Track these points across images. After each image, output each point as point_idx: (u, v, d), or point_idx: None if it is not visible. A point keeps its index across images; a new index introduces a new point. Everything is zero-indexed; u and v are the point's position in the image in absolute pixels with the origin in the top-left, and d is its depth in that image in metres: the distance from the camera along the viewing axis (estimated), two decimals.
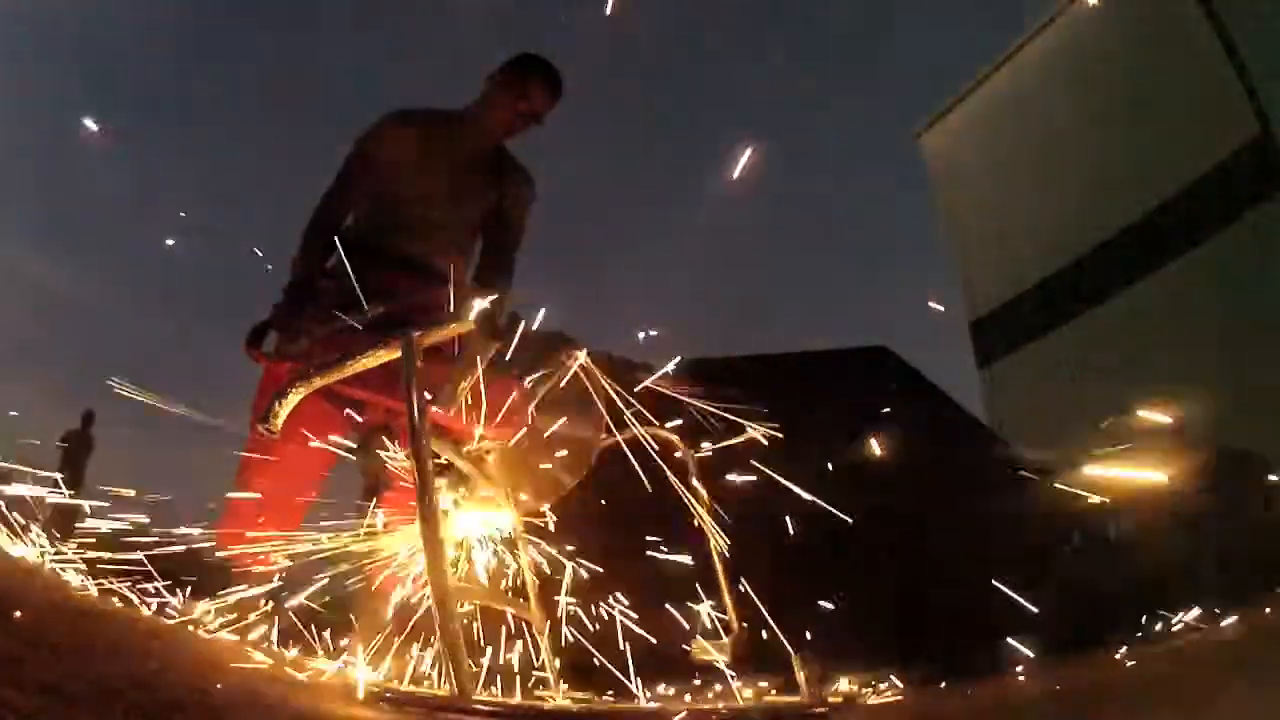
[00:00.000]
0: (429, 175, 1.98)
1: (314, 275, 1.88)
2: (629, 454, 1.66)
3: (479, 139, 2.04)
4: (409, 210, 1.97)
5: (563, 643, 1.87)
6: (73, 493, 2.01)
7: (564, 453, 1.59)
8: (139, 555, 1.65)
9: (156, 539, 1.71)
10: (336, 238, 1.98)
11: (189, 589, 1.62)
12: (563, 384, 1.56)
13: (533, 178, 2.14)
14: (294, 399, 1.42)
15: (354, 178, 2.01)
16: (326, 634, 1.79)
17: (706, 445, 1.81)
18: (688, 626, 1.87)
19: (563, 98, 2.04)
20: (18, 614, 1.00)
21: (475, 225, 2.06)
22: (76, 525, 1.82)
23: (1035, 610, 2.66)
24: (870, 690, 1.78)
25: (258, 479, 1.77)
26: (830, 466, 4.00)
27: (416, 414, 1.21)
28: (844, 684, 1.69)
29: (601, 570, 2.08)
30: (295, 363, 1.61)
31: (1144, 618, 2.42)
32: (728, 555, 1.75)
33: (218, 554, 1.72)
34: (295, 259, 1.90)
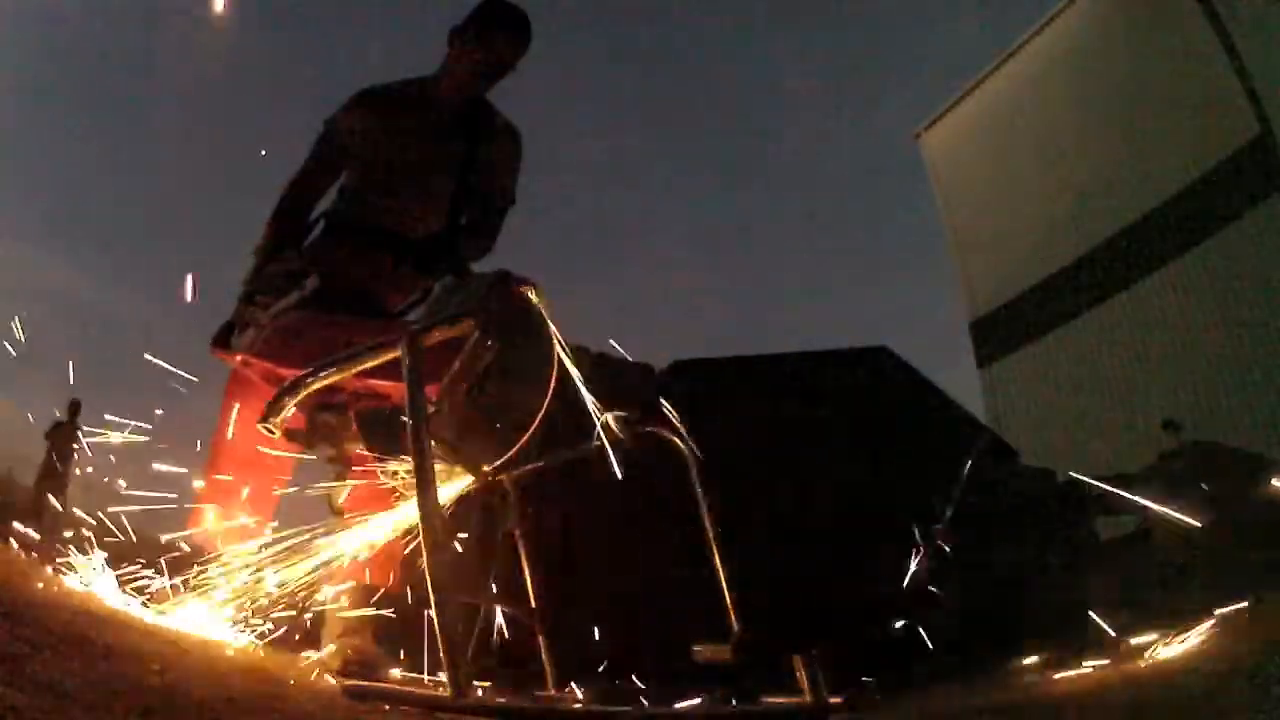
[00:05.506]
0: (399, 147, 1.93)
1: (270, 262, 1.82)
2: (624, 454, 1.65)
3: (447, 100, 1.97)
4: (385, 185, 1.95)
5: (560, 641, 1.87)
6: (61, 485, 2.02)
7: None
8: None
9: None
10: (322, 219, 1.97)
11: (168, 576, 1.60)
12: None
13: (518, 130, 2.06)
14: (295, 399, 1.42)
15: (324, 161, 1.99)
16: (322, 634, 1.78)
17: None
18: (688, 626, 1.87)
19: (532, 39, 1.91)
20: (18, 613, 1.00)
21: (457, 189, 1.97)
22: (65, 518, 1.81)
23: (1034, 609, 2.66)
24: (871, 691, 1.78)
25: (227, 468, 1.77)
26: (830, 467, 4.00)
27: (417, 414, 1.20)
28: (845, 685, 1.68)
29: (600, 571, 2.09)
30: (247, 354, 1.61)
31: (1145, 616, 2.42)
32: (729, 555, 1.75)
33: (191, 540, 1.70)
34: (257, 246, 1.87)
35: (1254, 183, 9.35)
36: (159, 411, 1.89)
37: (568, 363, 1.43)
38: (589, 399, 1.47)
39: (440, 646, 1.07)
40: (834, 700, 1.34)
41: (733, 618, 1.60)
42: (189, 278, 1.89)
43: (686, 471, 1.66)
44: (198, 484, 1.81)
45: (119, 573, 1.58)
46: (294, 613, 1.61)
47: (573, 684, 1.73)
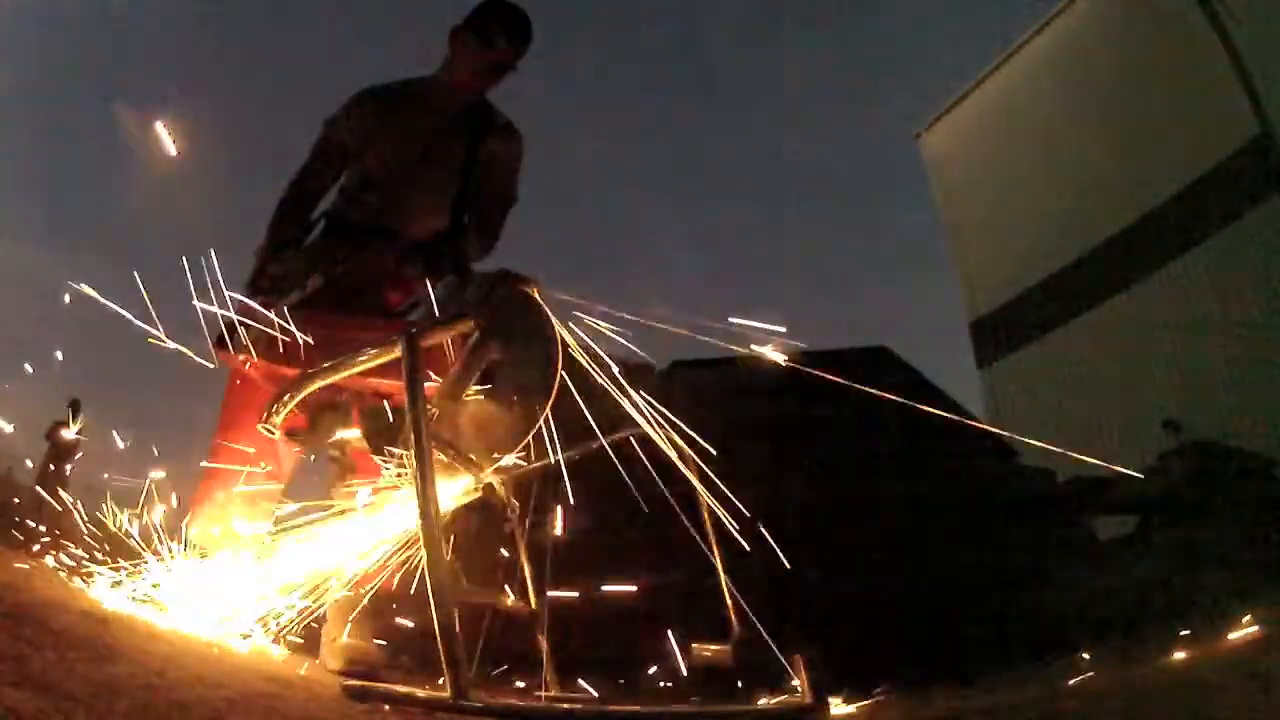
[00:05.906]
0: (401, 147, 1.94)
1: (271, 262, 1.84)
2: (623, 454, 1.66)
3: (447, 100, 1.97)
4: (386, 185, 1.95)
5: (560, 641, 1.86)
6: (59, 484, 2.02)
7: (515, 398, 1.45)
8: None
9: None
10: (323, 219, 1.97)
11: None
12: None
13: (519, 131, 2.06)
14: (295, 400, 1.42)
15: (324, 161, 1.99)
16: (324, 634, 1.79)
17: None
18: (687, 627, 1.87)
19: (533, 40, 1.92)
20: (19, 613, 1.00)
21: (459, 189, 1.98)
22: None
23: (1034, 609, 2.66)
24: (870, 692, 1.78)
25: (229, 463, 1.77)
26: (832, 467, 4.00)
27: (417, 414, 1.20)
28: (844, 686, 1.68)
29: (601, 571, 2.09)
30: (249, 354, 1.61)
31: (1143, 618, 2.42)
32: (727, 556, 1.75)
33: (191, 536, 1.70)
34: (259, 246, 1.88)
35: (1254, 183, 9.35)
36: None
37: (581, 357, 1.42)
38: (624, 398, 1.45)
39: (440, 648, 1.07)
40: (833, 700, 1.34)
41: (733, 618, 1.60)
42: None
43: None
44: (197, 484, 1.81)
45: (118, 572, 1.58)
46: (295, 613, 1.61)
47: (571, 684, 1.73)
